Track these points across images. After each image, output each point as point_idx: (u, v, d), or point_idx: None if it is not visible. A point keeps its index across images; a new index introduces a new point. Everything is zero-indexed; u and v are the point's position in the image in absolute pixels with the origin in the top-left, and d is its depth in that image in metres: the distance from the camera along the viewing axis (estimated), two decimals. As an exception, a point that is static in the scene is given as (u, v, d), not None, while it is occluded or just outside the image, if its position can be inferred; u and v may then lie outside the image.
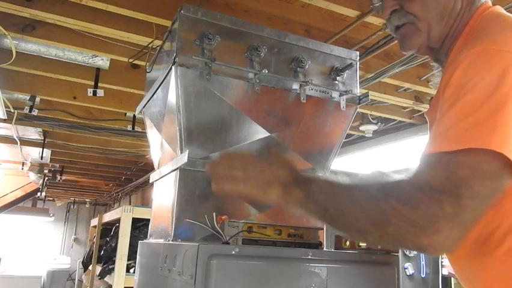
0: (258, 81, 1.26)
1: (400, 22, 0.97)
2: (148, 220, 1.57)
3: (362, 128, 3.12)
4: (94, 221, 4.53)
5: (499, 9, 0.91)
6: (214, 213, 1.04)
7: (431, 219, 0.69)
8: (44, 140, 3.89)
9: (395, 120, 3.04)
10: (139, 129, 3.31)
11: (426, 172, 0.74)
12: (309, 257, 0.94)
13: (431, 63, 1.07)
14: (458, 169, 0.70)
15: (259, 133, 1.32)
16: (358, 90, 1.42)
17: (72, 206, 10.14)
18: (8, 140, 3.94)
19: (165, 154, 1.47)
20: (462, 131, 0.71)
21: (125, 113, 3.25)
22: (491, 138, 0.69)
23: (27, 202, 7.57)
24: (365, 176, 0.90)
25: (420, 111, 2.84)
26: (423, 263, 1.24)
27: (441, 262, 1.37)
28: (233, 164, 0.92)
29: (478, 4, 0.92)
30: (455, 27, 0.94)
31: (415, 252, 1.19)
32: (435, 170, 0.72)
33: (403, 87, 2.52)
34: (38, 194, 6.93)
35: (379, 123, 3.12)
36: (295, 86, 1.32)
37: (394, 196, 0.73)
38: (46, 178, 5.88)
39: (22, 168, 5.30)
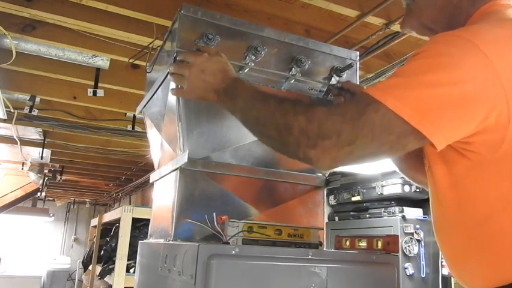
0: (259, 81, 1.26)
1: (405, 3, 1.07)
2: (148, 220, 1.57)
3: (362, 128, 3.12)
4: (94, 221, 4.53)
5: (504, 5, 0.93)
6: (214, 213, 1.04)
7: (320, 135, 0.80)
8: (44, 140, 3.89)
9: (395, 120, 3.04)
10: (139, 129, 3.31)
11: (346, 103, 0.88)
12: (309, 257, 0.94)
13: None
14: (372, 112, 0.78)
15: (259, 133, 1.32)
16: (358, 90, 1.42)
17: (72, 206, 10.14)
18: (8, 140, 3.94)
19: (165, 154, 1.47)
20: (389, 89, 0.80)
21: (125, 113, 3.25)
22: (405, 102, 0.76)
23: (27, 202, 7.57)
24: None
25: (420, 111, 2.84)
26: (423, 263, 1.24)
27: (441, 262, 1.37)
28: (185, 65, 1.11)
29: (481, 3, 0.94)
30: (456, 18, 0.97)
31: (415, 252, 1.19)
32: (352, 103, 0.86)
33: (403, 87, 2.52)
34: (38, 194, 6.93)
35: (379, 123, 3.12)
36: (296, 86, 1.32)
37: (304, 114, 0.84)
38: (46, 178, 5.88)
39: (22, 168, 5.30)
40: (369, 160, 0.84)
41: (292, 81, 1.33)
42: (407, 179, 1.23)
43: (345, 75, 1.41)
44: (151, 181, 1.58)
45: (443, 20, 0.99)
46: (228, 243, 0.98)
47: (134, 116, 3.25)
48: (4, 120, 3.04)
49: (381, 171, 3.78)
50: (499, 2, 0.93)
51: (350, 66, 1.40)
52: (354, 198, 4.19)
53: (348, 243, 1.18)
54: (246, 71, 1.26)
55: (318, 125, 0.81)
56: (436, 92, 0.75)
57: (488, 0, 0.93)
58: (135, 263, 2.55)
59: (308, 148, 0.81)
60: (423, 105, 0.75)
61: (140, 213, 2.91)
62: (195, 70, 1.09)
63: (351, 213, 4.24)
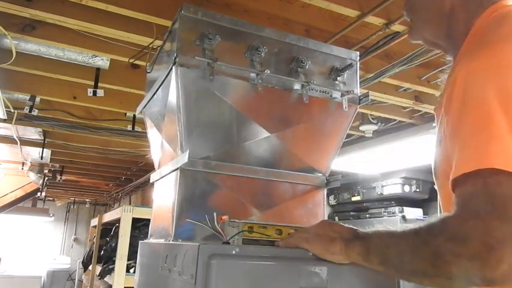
0: (260, 81, 1.26)
1: (406, 17, 1.09)
2: (148, 220, 1.57)
3: (362, 128, 3.12)
4: (94, 221, 4.53)
5: (508, 7, 0.88)
6: (214, 213, 1.04)
7: (487, 249, 0.66)
8: (44, 140, 3.88)
9: (395, 120, 3.04)
10: (139, 129, 3.31)
11: (466, 199, 0.72)
12: (309, 257, 0.94)
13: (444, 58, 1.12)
14: (497, 188, 0.68)
15: (260, 133, 1.32)
16: (358, 90, 1.42)
17: (72, 206, 10.13)
18: (8, 140, 3.94)
19: (165, 154, 1.47)
20: (480, 149, 0.71)
21: (125, 113, 3.25)
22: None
23: (27, 202, 7.56)
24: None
25: (420, 111, 2.84)
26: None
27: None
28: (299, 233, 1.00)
29: (486, 4, 0.89)
30: (455, 26, 0.94)
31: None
32: (476, 196, 0.70)
33: (403, 87, 2.52)
34: (38, 194, 6.93)
35: (379, 123, 3.12)
36: (297, 86, 1.32)
37: (443, 234, 0.72)
38: (46, 178, 5.87)
39: (22, 168, 5.30)
40: None
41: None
42: None
43: (345, 75, 1.41)
44: (151, 181, 1.58)
45: (442, 33, 0.99)
46: (229, 243, 0.98)
47: (134, 116, 3.24)
48: (4, 120, 3.04)
49: (381, 171, 3.79)
50: (503, 3, 0.88)
51: (350, 66, 1.40)
52: (354, 198, 4.19)
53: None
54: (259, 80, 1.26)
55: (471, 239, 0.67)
56: None
57: (487, 5, 0.89)
58: (135, 263, 2.55)
59: (481, 271, 0.67)
60: None
61: (140, 213, 2.91)
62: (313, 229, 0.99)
63: (351, 213, 4.25)
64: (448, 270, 0.71)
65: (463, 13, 0.93)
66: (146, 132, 1.73)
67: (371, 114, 2.99)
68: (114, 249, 3.08)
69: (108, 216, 3.79)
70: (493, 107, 0.71)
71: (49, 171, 5.66)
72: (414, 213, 3.61)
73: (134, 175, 5.85)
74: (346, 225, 0.97)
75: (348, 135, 3.12)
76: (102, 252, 3.59)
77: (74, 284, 7.54)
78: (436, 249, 0.72)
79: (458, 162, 0.74)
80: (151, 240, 1.44)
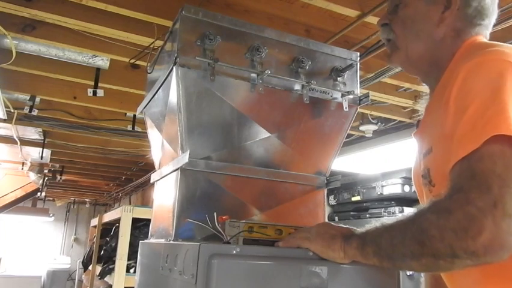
0: (260, 82, 1.26)
1: (386, 36, 1.07)
2: (148, 220, 1.57)
3: (362, 128, 3.12)
4: (94, 221, 4.53)
5: (485, 40, 1.00)
6: (215, 213, 1.04)
7: (468, 219, 0.68)
8: (44, 140, 3.88)
9: (395, 120, 3.04)
10: (139, 129, 3.31)
11: (453, 181, 0.75)
12: (310, 257, 0.94)
13: (422, 86, 1.16)
14: (479, 163, 0.71)
15: (260, 133, 1.32)
16: (358, 91, 1.43)
17: (72, 206, 10.13)
18: (8, 140, 3.94)
19: (166, 154, 1.48)
20: (475, 134, 0.74)
21: (125, 113, 3.25)
22: (500, 126, 0.71)
23: (27, 202, 7.55)
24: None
25: (421, 111, 2.85)
26: (423, 262, 1.24)
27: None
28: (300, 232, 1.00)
29: (468, 36, 0.98)
30: (441, 54, 0.99)
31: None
32: (460, 175, 0.74)
33: (403, 87, 2.52)
34: (38, 194, 6.93)
35: (379, 123, 3.12)
36: (298, 87, 1.32)
37: (429, 210, 0.76)
38: (46, 178, 5.87)
39: (22, 168, 5.30)
40: None
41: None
42: None
43: (345, 76, 1.41)
44: (151, 181, 1.58)
45: (428, 55, 1.01)
46: (229, 243, 0.98)
47: (134, 116, 3.24)
48: (4, 120, 3.03)
49: (381, 171, 3.79)
50: (478, 38, 0.98)
51: (350, 66, 1.40)
52: (354, 198, 4.19)
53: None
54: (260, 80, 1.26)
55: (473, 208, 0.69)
56: None
57: (467, 37, 0.97)
58: (135, 263, 2.55)
59: (464, 242, 0.69)
60: None
61: (140, 213, 2.91)
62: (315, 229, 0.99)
63: (351, 213, 4.24)
64: (433, 245, 0.73)
65: (451, 43, 0.99)
66: (146, 132, 1.73)
67: (371, 114, 2.99)
68: (114, 249, 3.08)
69: (108, 216, 3.79)
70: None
71: (49, 171, 5.66)
72: (414, 213, 3.61)
73: (134, 175, 5.85)
74: (346, 226, 0.98)
75: (348, 135, 3.12)
76: (102, 252, 3.59)
77: (74, 284, 7.53)
78: (422, 225, 0.75)
79: (456, 150, 0.77)
80: (151, 240, 1.45)
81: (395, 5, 1.04)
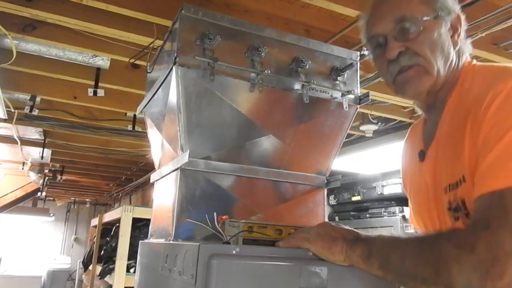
0: (260, 81, 1.26)
1: (411, 62, 0.97)
2: (148, 220, 1.57)
3: (362, 128, 3.12)
4: (94, 221, 4.52)
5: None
6: (214, 213, 1.04)
7: (492, 260, 0.67)
8: (45, 139, 3.89)
9: (395, 120, 3.04)
10: (140, 129, 3.31)
11: (480, 213, 0.73)
12: (310, 257, 0.94)
13: (416, 109, 1.13)
14: (505, 203, 0.69)
15: (260, 133, 1.32)
16: (358, 90, 1.42)
17: (72, 206, 10.13)
18: (8, 139, 3.94)
19: (166, 154, 1.47)
20: (510, 168, 0.72)
21: (126, 113, 3.25)
22: None
23: (27, 202, 7.55)
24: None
25: (421, 111, 2.84)
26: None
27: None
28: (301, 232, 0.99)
29: (466, 57, 1.01)
30: (450, 75, 0.99)
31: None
32: (490, 209, 0.72)
33: (403, 87, 2.51)
34: (39, 193, 6.92)
35: (379, 123, 3.12)
36: (297, 86, 1.32)
37: (451, 241, 0.73)
38: (46, 178, 5.87)
39: (22, 168, 5.30)
40: None
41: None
42: None
43: (345, 75, 1.41)
44: (151, 181, 1.58)
45: (445, 77, 0.99)
46: (229, 243, 0.98)
47: (134, 115, 3.25)
48: (4, 120, 3.04)
49: (381, 171, 3.79)
50: (471, 59, 1.01)
51: (350, 66, 1.40)
52: (354, 198, 4.19)
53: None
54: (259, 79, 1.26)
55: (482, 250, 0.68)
56: None
57: (466, 58, 1.01)
58: (135, 263, 2.55)
59: (482, 281, 0.68)
60: None
61: (141, 213, 2.91)
62: (315, 230, 0.98)
63: (352, 213, 4.24)
64: (449, 277, 0.71)
65: (456, 65, 1.00)
66: (146, 132, 1.73)
67: (371, 114, 2.99)
68: (114, 249, 3.07)
69: (108, 216, 3.79)
70: None
71: (49, 171, 5.66)
72: (414, 213, 3.61)
73: (134, 175, 5.85)
74: (347, 227, 0.97)
75: (348, 135, 3.12)
76: (102, 252, 3.59)
77: (75, 284, 7.53)
78: (441, 254, 0.73)
79: (486, 177, 0.75)
80: (151, 240, 1.45)
81: (404, 30, 0.97)
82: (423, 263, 0.76)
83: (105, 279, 3.31)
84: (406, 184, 1.20)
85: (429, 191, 1.00)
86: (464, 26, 1.01)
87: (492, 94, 0.81)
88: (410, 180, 1.16)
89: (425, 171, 1.01)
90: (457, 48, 1.00)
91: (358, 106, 1.40)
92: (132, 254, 2.78)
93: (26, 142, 3.94)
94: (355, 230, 0.95)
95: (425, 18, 0.96)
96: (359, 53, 1.47)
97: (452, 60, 0.99)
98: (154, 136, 1.61)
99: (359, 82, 1.44)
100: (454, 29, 1.00)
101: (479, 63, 1.01)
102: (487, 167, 0.76)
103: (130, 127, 3.31)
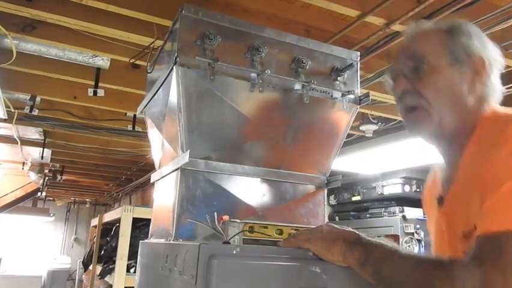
0: (260, 81, 1.26)
1: (413, 103, 0.98)
2: (149, 220, 1.57)
3: (362, 128, 3.12)
4: (94, 221, 4.53)
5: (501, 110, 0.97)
6: (215, 213, 1.04)
7: None
8: (45, 139, 3.88)
9: (395, 120, 3.04)
10: (140, 129, 3.31)
11: (477, 249, 0.76)
12: (310, 257, 0.94)
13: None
14: (510, 245, 0.72)
15: (260, 133, 1.32)
16: (359, 91, 1.43)
17: (72, 206, 10.13)
18: (8, 139, 3.93)
19: (166, 154, 1.48)
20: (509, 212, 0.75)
21: (126, 113, 3.25)
22: None
23: (27, 202, 7.55)
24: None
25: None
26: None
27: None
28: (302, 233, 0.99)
29: (491, 102, 0.96)
30: (467, 122, 0.95)
31: (416, 252, 1.20)
32: (486, 247, 0.75)
33: (403, 87, 2.51)
34: (39, 194, 6.92)
35: (379, 123, 3.12)
36: (298, 87, 1.32)
37: (445, 269, 0.76)
38: (46, 178, 5.87)
39: (22, 168, 5.30)
40: None
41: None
42: None
43: (345, 76, 1.41)
44: (151, 181, 1.58)
45: (458, 124, 0.96)
46: (229, 243, 0.98)
47: (134, 115, 3.24)
48: (4, 120, 3.03)
49: (381, 171, 3.79)
50: (495, 108, 0.96)
51: (350, 66, 1.40)
52: (354, 198, 4.19)
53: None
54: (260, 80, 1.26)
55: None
56: None
57: (491, 103, 0.96)
58: (135, 263, 2.55)
59: None
60: None
61: (141, 213, 2.91)
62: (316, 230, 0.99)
63: (352, 213, 4.24)
64: None
65: (477, 111, 0.96)
66: (146, 132, 1.73)
67: (371, 114, 2.99)
68: (114, 249, 3.07)
69: (108, 216, 3.79)
70: None
71: (49, 171, 5.66)
72: (414, 213, 3.61)
73: (134, 175, 5.84)
74: (348, 228, 0.97)
75: (348, 135, 3.12)
76: (102, 252, 3.59)
77: (75, 283, 7.53)
78: (433, 280, 0.76)
79: (485, 219, 0.78)
80: (151, 240, 1.45)
81: (414, 69, 0.97)
82: (415, 282, 0.79)
83: (105, 279, 3.31)
84: (430, 224, 1.20)
85: (444, 238, 1.01)
86: (493, 72, 0.97)
87: (505, 138, 0.82)
88: (430, 222, 1.18)
89: (442, 218, 1.03)
90: (477, 94, 0.96)
91: (358, 106, 1.40)
92: (132, 254, 2.78)
93: (26, 142, 3.93)
94: (357, 232, 0.95)
95: (436, 60, 0.95)
96: (359, 53, 1.47)
97: (466, 106, 0.95)
98: (154, 136, 1.61)
99: (359, 82, 1.44)
100: (475, 73, 0.96)
101: (502, 109, 0.97)
102: (487, 210, 0.78)
103: (130, 127, 3.31)
